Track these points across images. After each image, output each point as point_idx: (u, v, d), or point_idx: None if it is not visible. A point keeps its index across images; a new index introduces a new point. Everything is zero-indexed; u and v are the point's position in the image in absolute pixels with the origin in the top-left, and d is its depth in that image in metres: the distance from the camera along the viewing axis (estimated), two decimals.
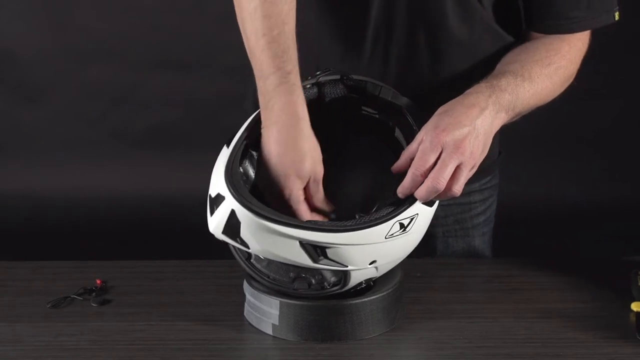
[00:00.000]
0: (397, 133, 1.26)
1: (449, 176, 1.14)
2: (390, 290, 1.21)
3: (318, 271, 1.17)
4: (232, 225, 1.12)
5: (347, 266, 1.14)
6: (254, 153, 1.24)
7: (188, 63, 3.03)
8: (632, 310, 1.24)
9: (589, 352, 1.16)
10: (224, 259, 1.46)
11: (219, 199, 1.13)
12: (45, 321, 1.24)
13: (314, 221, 1.15)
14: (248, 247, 1.13)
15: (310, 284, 1.18)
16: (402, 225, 1.14)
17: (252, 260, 1.20)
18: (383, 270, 1.19)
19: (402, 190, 1.16)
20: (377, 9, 1.33)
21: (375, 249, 1.14)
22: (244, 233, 1.11)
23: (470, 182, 1.19)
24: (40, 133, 3.11)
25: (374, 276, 1.18)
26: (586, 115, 3.00)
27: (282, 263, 1.16)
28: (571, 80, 1.35)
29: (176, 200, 3.02)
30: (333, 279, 1.17)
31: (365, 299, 1.18)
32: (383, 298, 1.20)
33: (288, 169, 1.17)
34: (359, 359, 1.16)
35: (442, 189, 1.14)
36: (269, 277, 1.19)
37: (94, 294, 1.32)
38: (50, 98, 3.08)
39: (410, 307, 1.26)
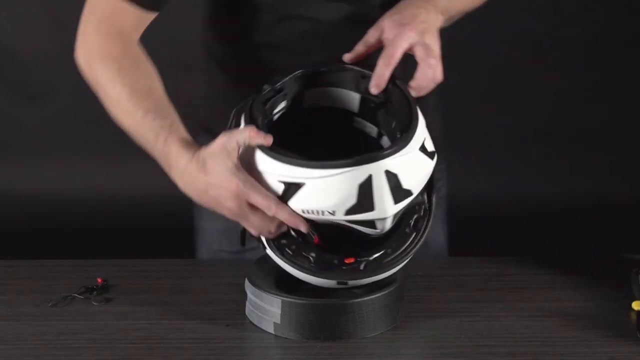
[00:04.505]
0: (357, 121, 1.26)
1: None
2: (391, 289, 1.21)
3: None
4: None
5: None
6: None
7: (188, 63, 3.03)
8: (633, 309, 1.24)
9: (589, 351, 1.16)
10: (225, 258, 1.47)
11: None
12: (46, 320, 1.24)
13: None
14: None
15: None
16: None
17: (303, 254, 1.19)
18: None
19: (376, 82, 1.19)
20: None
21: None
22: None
23: None
24: (40, 133, 3.10)
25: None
26: (585, 113, 3.00)
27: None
28: None
29: (176, 200, 3.00)
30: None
31: (367, 298, 1.19)
32: (384, 297, 1.20)
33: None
34: (360, 357, 1.16)
35: (440, 78, 1.20)
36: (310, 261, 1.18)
37: (95, 292, 1.32)
38: (50, 98, 3.07)
39: (411, 305, 1.26)
